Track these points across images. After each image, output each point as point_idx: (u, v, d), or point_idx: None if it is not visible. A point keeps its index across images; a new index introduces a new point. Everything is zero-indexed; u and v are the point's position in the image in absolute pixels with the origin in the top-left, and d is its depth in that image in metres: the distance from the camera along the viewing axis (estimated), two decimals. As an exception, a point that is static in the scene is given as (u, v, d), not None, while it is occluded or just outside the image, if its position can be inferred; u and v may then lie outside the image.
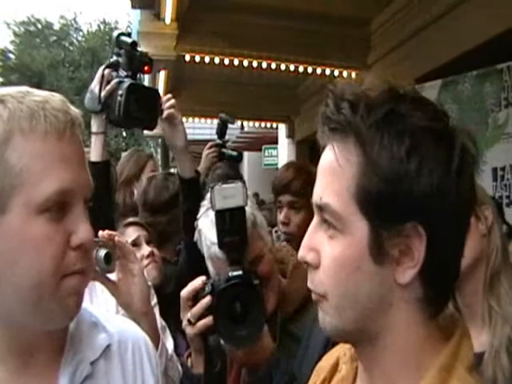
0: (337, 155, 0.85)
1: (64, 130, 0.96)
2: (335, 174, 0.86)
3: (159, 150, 13.20)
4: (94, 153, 2.21)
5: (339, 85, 0.88)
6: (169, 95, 2.31)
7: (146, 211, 2.95)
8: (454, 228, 0.86)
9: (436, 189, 0.82)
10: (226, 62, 5.22)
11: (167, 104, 2.26)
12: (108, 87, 2.15)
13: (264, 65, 5.35)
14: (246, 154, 11.88)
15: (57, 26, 26.72)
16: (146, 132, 10.44)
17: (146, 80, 6.77)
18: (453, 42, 4.10)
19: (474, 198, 0.89)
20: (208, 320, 1.51)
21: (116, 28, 26.87)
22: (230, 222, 1.51)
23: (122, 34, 2.25)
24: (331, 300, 0.88)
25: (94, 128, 2.23)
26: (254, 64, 5.33)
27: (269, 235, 1.74)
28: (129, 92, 2.11)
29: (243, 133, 11.37)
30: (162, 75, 6.29)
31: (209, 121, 8.61)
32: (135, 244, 2.59)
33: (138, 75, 2.27)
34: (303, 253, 0.91)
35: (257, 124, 9.38)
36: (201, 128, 10.23)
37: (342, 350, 1.04)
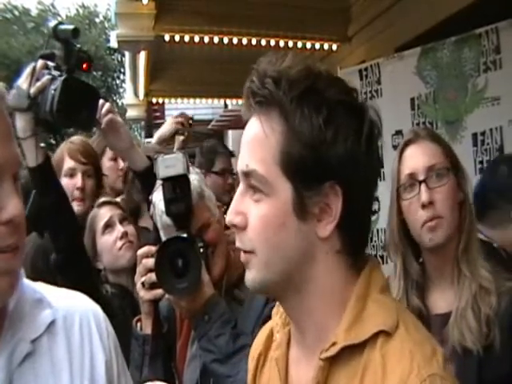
0: (263, 125, 0.97)
1: None
2: (260, 143, 0.97)
3: (143, 133, 13.12)
4: (29, 158, 2.01)
5: (262, 63, 0.98)
6: (102, 101, 2.10)
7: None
8: (364, 189, 0.99)
9: (349, 154, 0.94)
10: (206, 40, 5.18)
11: (104, 110, 2.10)
12: (38, 84, 1.95)
13: (244, 41, 5.32)
14: (230, 132, 11.83)
15: (34, 12, 26.27)
16: (128, 115, 10.37)
17: (127, 62, 6.71)
18: (432, 10, 4.10)
19: (381, 164, 1.03)
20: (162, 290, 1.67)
21: (95, 12, 26.46)
22: (175, 190, 1.66)
23: (61, 23, 2.03)
24: (260, 255, 0.98)
25: (21, 133, 1.97)
26: (234, 41, 5.30)
27: (217, 208, 1.85)
28: (65, 86, 1.92)
29: (227, 111, 11.31)
30: (142, 56, 6.24)
31: (191, 100, 8.57)
32: (108, 225, 2.48)
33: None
34: (231, 217, 1.00)
35: (240, 102, 9.33)
36: (183, 109, 10.16)
37: (273, 322, 1.14)
